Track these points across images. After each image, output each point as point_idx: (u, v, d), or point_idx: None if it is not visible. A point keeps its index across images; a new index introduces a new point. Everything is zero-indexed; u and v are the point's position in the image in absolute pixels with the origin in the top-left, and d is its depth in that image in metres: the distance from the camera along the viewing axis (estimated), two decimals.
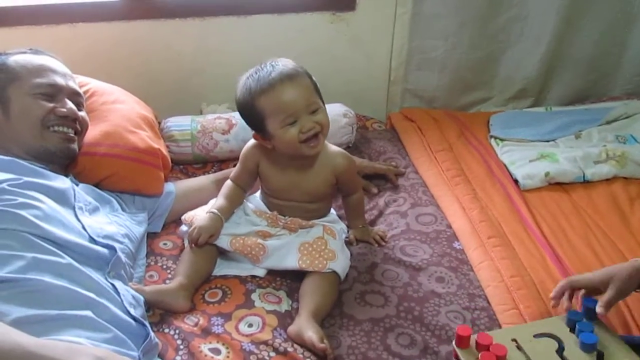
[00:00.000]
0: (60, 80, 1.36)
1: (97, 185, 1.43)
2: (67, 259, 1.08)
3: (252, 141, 1.43)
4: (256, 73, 1.31)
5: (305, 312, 1.22)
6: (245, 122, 1.38)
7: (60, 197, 1.21)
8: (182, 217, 1.46)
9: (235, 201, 1.43)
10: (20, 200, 1.10)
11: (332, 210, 1.52)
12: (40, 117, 1.30)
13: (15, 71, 1.32)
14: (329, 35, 2.06)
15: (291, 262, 1.34)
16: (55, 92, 1.34)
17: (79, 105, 1.40)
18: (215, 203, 1.41)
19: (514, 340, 1.12)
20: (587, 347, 1.09)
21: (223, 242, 1.36)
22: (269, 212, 1.42)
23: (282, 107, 1.28)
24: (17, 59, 1.35)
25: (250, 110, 1.31)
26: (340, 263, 1.35)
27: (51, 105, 1.32)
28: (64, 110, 1.33)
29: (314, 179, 1.39)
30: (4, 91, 1.30)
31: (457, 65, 2.14)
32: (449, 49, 2.11)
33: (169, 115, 1.85)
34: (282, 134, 1.30)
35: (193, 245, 1.34)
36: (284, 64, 1.31)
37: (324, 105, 1.34)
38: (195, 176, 1.73)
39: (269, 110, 1.29)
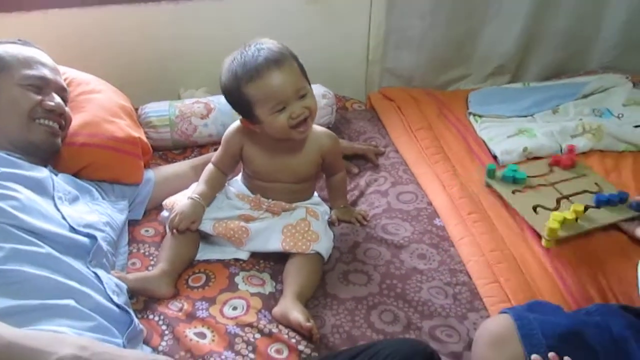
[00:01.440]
0: (49, 74, 1.35)
1: (76, 175, 1.41)
2: (47, 249, 1.08)
3: (234, 125, 1.42)
4: (241, 57, 1.27)
5: (289, 293, 1.23)
6: (232, 107, 1.36)
7: (38, 187, 1.20)
8: (163, 203, 1.45)
9: (216, 186, 1.42)
10: None
11: (315, 193, 1.52)
12: (28, 109, 1.29)
13: (5, 60, 1.30)
14: (306, 16, 2.04)
15: (275, 244, 1.34)
16: (43, 85, 1.33)
17: (65, 101, 1.39)
18: (196, 188, 1.40)
19: None
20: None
21: (206, 226, 1.36)
22: (251, 195, 1.42)
23: (271, 95, 1.26)
24: (7, 49, 1.33)
25: (238, 97, 1.29)
26: (324, 244, 1.35)
27: (39, 97, 1.31)
28: (52, 104, 1.32)
29: (301, 160, 1.39)
30: None
31: (435, 43, 2.14)
32: (426, 28, 2.11)
33: (146, 101, 1.83)
34: (272, 121, 1.29)
35: (174, 231, 1.33)
36: (269, 46, 1.28)
37: (310, 87, 1.33)
38: (175, 162, 1.73)
39: (257, 98, 1.27)
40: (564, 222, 1.40)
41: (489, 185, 1.59)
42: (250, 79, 1.25)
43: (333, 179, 1.50)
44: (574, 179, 1.59)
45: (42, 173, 1.25)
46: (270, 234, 1.36)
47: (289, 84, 1.27)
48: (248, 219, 1.38)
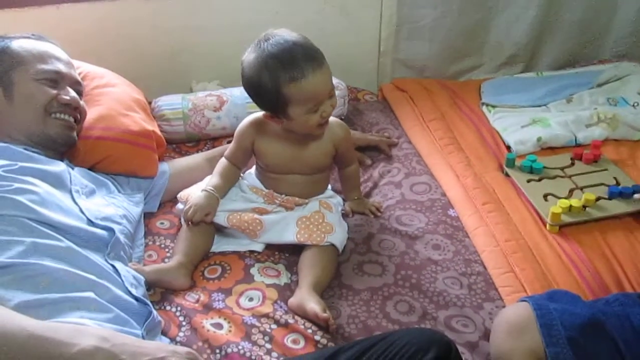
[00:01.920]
0: (63, 68, 1.36)
1: (91, 169, 1.43)
2: (66, 243, 1.09)
3: (246, 119, 1.42)
4: (275, 51, 1.23)
5: (305, 284, 1.24)
6: (258, 102, 1.33)
7: (56, 181, 1.21)
8: (178, 195, 1.46)
9: (230, 179, 1.43)
10: (17, 185, 1.10)
11: (329, 186, 1.52)
12: (44, 103, 1.30)
13: (21, 55, 1.31)
14: (318, 7, 2.04)
15: (289, 236, 1.35)
16: (58, 79, 1.34)
17: (79, 94, 1.40)
18: (210, 181, 1.41)
19: None
20: None
21: (220, 218, 1.37)
22: (265, 190, 1.42)
23: (312, 97, 1.25)
24: (22, 44, 1.34)
25: (273, 95, 1.26)
26: (338, 236, 1.36)
27: (55, 92, 1.32)
28: (67, 97, 1.33)
29: (315, 151, 1.39)
30: (8, 74, 1.29)
31: (447, 33, 2.13)
32: (438, 17, 2.09)
33: (159, 94, 1.84)
34: (305, 120, 1.29)
35: (189, 223, 1.34)
36: (303, 42, 1.25)
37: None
38: (189, 154, 1.73)
39: (296, 98, 1.25)
40: (570, 210, 1.41)
41: (507, 175, 1.59)
42: (293, 79, 1.23)
43: (346, 171, 1.50)
44: (593, 172, 1.58)
45: (60, 167, 1.27)
46: (285, 226, 1.37)
47: (327, 85, 1.27)
48: (262, 211, 1.39)
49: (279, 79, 1.23)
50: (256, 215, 1.37)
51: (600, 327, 1.03)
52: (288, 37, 1.26)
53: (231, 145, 1.45)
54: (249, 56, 1.28)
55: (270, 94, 1.26)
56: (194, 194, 1.40)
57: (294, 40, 1.25)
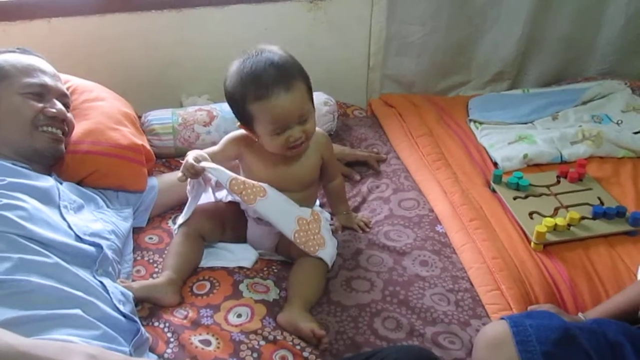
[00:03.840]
0: (49, 81, 1.36)
1: (80, 183, 1.43)
2: (54, 259, 1.09)
3: (236, 133, 1.41)
4: (251, 68, 1.24)
5: (296, 301, 1.24)
6: (233, 113, 1.35)
7: (44, 196, 1.21)
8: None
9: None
10: (5, 201, 1.10)
11: (317, 201, 1.53)
12: (31, 117, 1.30)
13: (5, 70, 1.31)
14: (307, 23, 2.06)
15: (288, 227, 1.31)
16: (44, 93, 1.34)
17: (66, 107, 1.40)
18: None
19: None
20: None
21: (222, 177, 1.29)
22: None
23: (275, 119, 1.25)
24: (7, 58, 1.34)
25: (241, 110, 1.28)
26: (329, 251, 1.36)
27: (40, 105, 1.32)
28: (54, 110, 1.33)
29: (303, 166, 1.39)
30: None
31: (435, 49, 2.16)
32: (426, 34, 2.12)
33: (148, 108, 1.84)
34: (270, 141, 1.29)
35: (186, 171, 1.30)
36: (281, 62, 1.25)
37: (313, 106, 1.32)
38: (179, 169, 1.72)
39: (260, 118, 1.26)
40: (555, 228, 1.43)
41: (494, 190, 1.61)
42: (257, 98, 1.24)
43: (331, 185, 1.50)
44: (578, 191, 1.60)
45: (48, 182, 1.26)
46: (286, 215, 1.33)
47: (294, 108, 1.26)
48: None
49: (246, 94, 1.25)
50: (262, 183, 1.32)
51: (574, 341, 1.06)
52: (270, 56, 1.26)
53: (215, 147, 1.41)
54: (232, 66, 1.29)
55: (239, 107, 1.29)
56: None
57: (273, 60, 1.25)
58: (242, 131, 1.40)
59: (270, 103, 1.23)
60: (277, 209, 1.32)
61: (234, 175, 1.30)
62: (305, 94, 1.28)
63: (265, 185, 1.33)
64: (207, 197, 1.45)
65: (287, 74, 1.25)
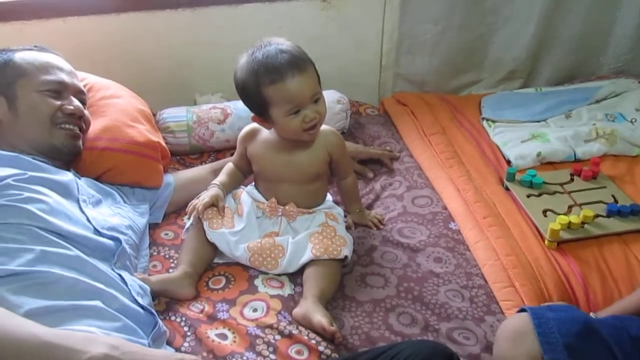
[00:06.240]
0: (66, 78, 1.37)
1: (97, 179, 1.44)
2: (75, 251, 1.10)
3: (241, 133, 1.48)
4: (262, 56, 1.30)
5: (311, 295, 1.25)
6: (246, 104, 1.39)
7: (64, 190, 1.23)
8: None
9: (235, 179, 1.50)
10: (26, 194, 1.12)
11: (329, 196, 1.54)
12: (49, 115, 1.32)
13: (22, 68, 1.33)
14: (320, 22, 2.07)
15: (306, 255, 1.34)
16: (62, 90, 1.35)
17: (83, 104, 1.42)
18: (217, 179, 1.47)
19: None
20: None
21: (239, 251, 1.35)
22: (265, 201, 1.44)
23: (290, 98, 1.29)
24: (24, 56, 1.35)
25: (255, 96, 1.32)
26: (349, 247, 1.39)
27: (58, 102, 1.33)
28: (71, 107, 1.35)
29: (308, 157, 1.41)
30: (11, 87, 1.31)
31: (448, 48, 2.16)
32: (439, 32, 2.12)
33: (162, 106, 1.86)
34: (286, 123, 1.33)
35: (194, 214, 1.38)
36: (290, 49, 1.31)
37: (322, 92, 1.36)
38: (193, 166, 1.75)
39: (275, 100, 1.30)
40: (569, 226, 1.43)
41: (507, 188, 1.61)
42: (272, 81, 1.28)
43: (344, 183, 1.52)
44: (591, 189, 1.60)
45: (67, 176, 1.28)
46: (300, 246, 1.36)
47: (308, 89, 1.30)
48: (275, 234, 1.40)
49: (260, 80, 1.29)
50: (276, 240, 1.36)
51: (596, 334, 1.06)
52: (278, 45, 1.32)
53: (236, 151, 1.51)
54: (241, 60, 1.34)
55: (253, 95, 1.32)
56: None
57: (282, 48, 1.31)
58: (245, 129, 1.46)
59: (285, 85, 1.28)
60: (297, 256, 1.35)
61: (250, 245, 1.35)
62: (315, 76, 1.34)
63: (279, 238, 1.37)
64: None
65: (297, 58, 1.30)
